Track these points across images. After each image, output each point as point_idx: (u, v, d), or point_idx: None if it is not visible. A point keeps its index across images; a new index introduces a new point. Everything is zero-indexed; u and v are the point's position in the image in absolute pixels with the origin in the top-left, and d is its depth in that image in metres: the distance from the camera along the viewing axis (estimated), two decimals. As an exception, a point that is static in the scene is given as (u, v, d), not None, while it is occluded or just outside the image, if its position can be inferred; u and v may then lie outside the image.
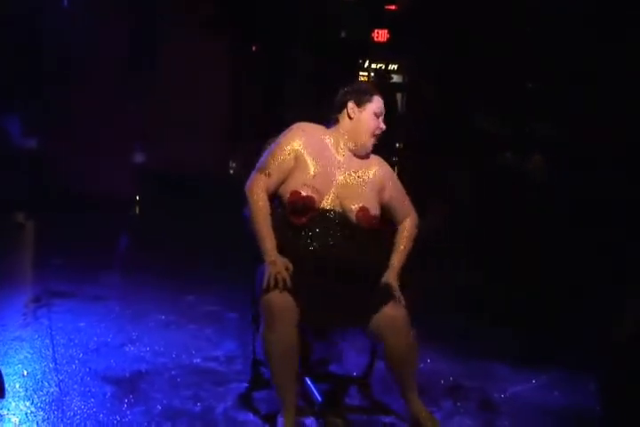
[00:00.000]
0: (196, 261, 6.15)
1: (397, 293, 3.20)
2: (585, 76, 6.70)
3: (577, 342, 4.40)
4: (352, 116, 3.33)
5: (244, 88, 9.68)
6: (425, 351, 4.21)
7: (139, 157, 8.90)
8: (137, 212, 8.53)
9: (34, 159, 7.76)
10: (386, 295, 3.16)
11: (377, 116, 3.32)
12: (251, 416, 3.34)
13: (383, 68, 11.50)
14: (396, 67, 11.60)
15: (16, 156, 7.62)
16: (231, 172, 9.74)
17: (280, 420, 3.06)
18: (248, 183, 3.25)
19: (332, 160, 3.29)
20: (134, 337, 4.31)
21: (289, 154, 3.24)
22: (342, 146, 3.34)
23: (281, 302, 2.96)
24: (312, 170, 3.22)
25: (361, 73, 11.66)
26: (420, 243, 3.45)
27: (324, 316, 3.10)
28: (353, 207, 3.21)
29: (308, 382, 3.49)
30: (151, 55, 8.78)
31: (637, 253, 4.53)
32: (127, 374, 3.75)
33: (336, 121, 3.38)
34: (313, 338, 3.60)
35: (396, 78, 11.06)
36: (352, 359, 4.02)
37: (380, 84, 9.73)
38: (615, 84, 6.35)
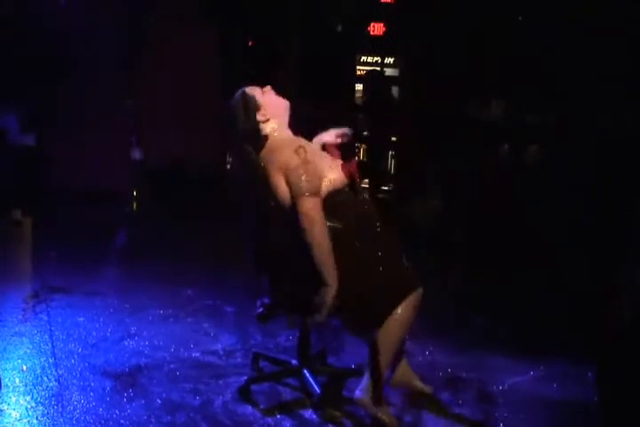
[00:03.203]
0: (194, 255, 6.16)
1: None
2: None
3: (575, 333, 4.41)
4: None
5: (241, 82, 9.67)
6: (424, 344, 4.24)
7: (136, 153, 8.89)
8: (135, 207, 8.52)
9: (32, 156, 7.75)
10: None
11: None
12: (250, 409, 3.36)
13: (379, 61, 11.46)
14: (392, 60, 11.57)
15: (14, 152, 7.61)
16: (228, 167, 9.73)
17: None
18: (307, 208, 3.05)
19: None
20: (133, 331, 4.33)
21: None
22: None
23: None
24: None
25: (358, 67, 11.63)
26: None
27: None
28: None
29: (307, 375, 3.50)
30: (147, 49, 8.76)
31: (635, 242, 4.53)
32: (126, 369, 3.77)
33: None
34: (311, 330, 3.60)
35: (392, 72, 11.03)
36: (350, 352, 4.03)
37: (375, 85, 9.72)
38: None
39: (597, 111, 6.45)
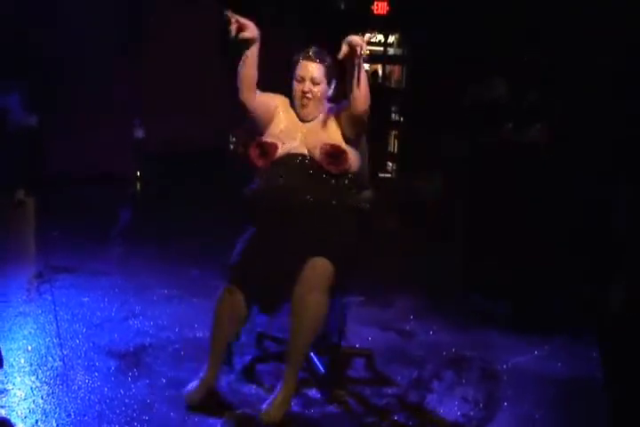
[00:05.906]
0: (198, 235, 6.15)
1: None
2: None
3: (578, 312, 4.41)
4: None
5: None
6: (427, 323, 4.25)
7: (139, 133, 8.88)
8: (138, 187, 8.53)
9: (34, 137, 7.74)
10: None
11: (298, 81, 3.36)
12: (254, 389, 3.36)
13: (382, 41, 11.38)
14: (395, 40, 11.51)
15: (16, 133, 7.59)
16: (231, 147, 9.72)
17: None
18: None
19: (297, 123, 3.41)
20: (137, 311, 4.33)
21: (272, 99, 3.43)
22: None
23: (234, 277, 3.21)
24: (281, 126, 3.38)
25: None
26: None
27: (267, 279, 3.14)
28: (317, 146, 3.29)
29: (311, 354, 3.51)
30: (147, 33, 8.72)
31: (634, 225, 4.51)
32: (131, 348, 3.78)
33: None
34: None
35: (395, 51, 11.00)
36: (354, 332, 4.04)
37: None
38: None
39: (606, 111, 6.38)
